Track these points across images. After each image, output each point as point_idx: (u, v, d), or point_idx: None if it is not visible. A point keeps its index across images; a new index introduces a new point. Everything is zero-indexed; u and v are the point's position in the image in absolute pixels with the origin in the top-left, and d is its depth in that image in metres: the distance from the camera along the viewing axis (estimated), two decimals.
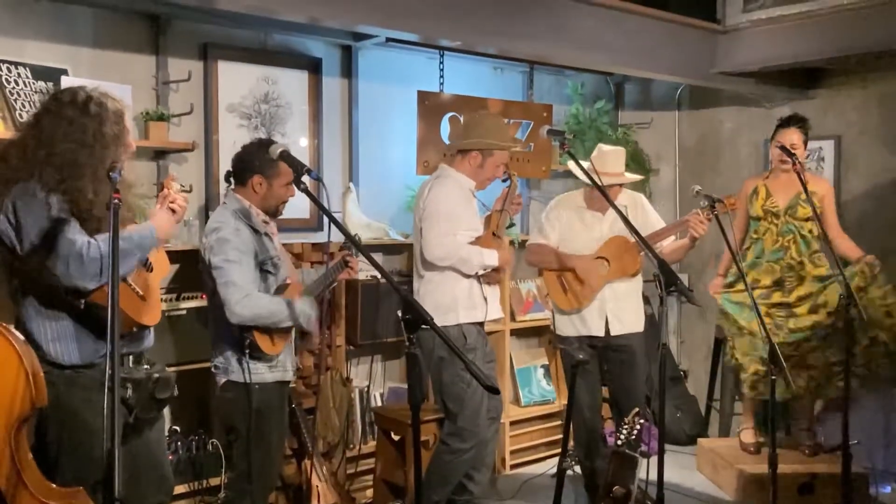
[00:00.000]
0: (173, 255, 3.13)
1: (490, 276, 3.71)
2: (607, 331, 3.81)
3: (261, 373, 3.05)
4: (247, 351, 2.97)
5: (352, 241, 2.52)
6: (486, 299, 3.69)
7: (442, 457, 3.64)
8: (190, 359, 3.49)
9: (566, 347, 3.71)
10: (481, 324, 3.72)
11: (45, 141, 2.31)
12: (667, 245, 3.83)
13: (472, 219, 3.72)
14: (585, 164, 3.85)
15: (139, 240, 2.40)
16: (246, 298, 2.92)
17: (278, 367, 3.11)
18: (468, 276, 3.64)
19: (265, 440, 3.08)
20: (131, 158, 2.55)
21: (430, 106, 4.48)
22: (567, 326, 3.90)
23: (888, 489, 4.30)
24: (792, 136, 4.15)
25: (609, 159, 3.83)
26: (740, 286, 4.26)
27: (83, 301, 2.31)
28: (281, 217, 3.28)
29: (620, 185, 3.88)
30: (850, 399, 3.53)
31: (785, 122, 4.25)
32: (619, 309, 3.82)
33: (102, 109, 2.36)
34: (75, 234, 2.26)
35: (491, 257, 3.65)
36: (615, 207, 3.00)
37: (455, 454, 3.61)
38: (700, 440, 4.82)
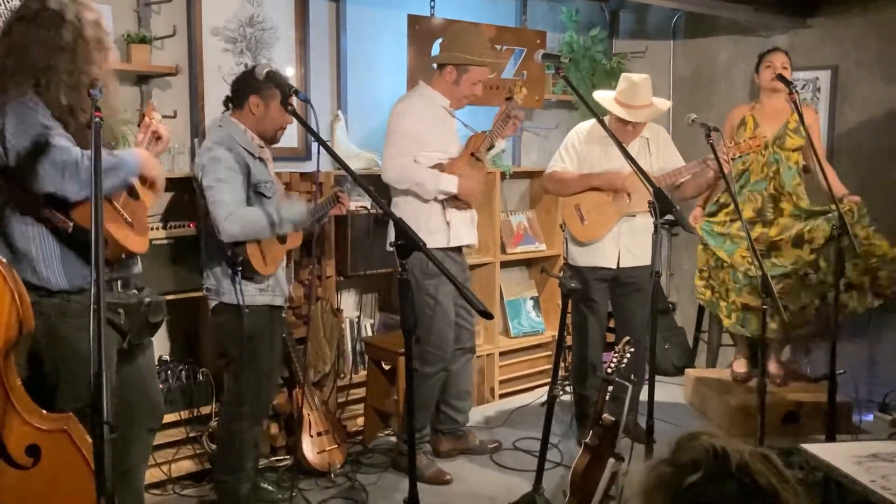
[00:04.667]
0: None
1: (456, 202, 3.53)
2: (619, 263, 3.81)
3: (251, 294, 3.03)
4: (239, 269, 2.94)
5: (343, 167, 2.46)
6: (448, 224, 3.53)
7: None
8: (178, 288, 3.45)
9: (560, 277, 3.69)
10: (451, 249, 3.57)
11: (17, 47, 2.24)
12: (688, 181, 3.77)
13: (442, 139, 3.53)
14: (610, 95, 3.77)
15: (127, 157, 2.36)
16: (232, 215, 2.90)
17: (268, 290, 3.10)
18: (427, 201, 3.50)
19: (257, 364, 3.08)
20: (113, 80, 2.47)
21: (420, 31, 4.34)
22: (581, 256, 3.89)
23: (870, 417, 4.37)
24: (782, 57, 4.16)
25: (640, 92, 3.68)
26: (721, 216, 4.23)
27: (72, 224, 2.25)
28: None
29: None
30: (836, 329, 3.54)
31: (773, 48, 4.27)
32: (632, 243, 3.79)
33: (78, 14, 2.28)
34: (68, 143, 2.20)
35: (449, 183, 3.45)
36: (623, 149, 2.88)
37: (423, 378, 3.54)
38: (687, 371, 4.87)
